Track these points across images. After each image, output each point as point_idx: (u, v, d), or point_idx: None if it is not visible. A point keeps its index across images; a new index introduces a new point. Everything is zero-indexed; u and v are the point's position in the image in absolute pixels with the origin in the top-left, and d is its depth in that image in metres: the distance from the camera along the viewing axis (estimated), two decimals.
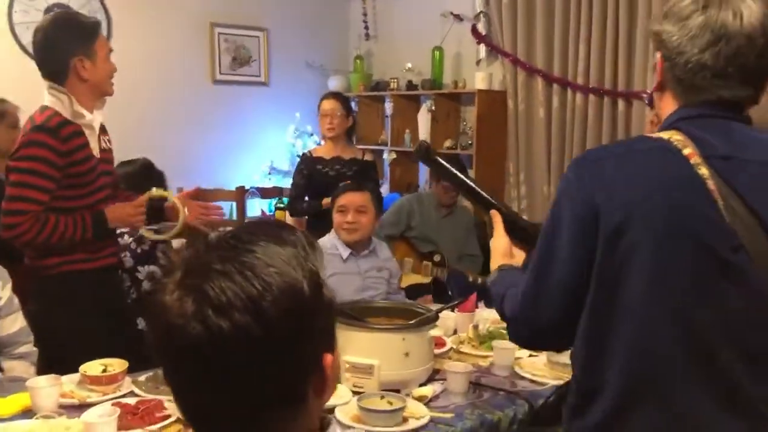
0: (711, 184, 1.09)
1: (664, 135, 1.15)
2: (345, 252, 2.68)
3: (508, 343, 2.15)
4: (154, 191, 2.38)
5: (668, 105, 1.21)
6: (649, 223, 1.09)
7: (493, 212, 1.57)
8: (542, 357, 2.09)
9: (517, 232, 1.55)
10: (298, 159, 3.83)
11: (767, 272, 1.09)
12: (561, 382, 1.88)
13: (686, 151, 1.12)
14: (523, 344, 1.38)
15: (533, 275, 1.20)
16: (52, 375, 1.75)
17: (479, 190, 1.66)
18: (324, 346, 0.77)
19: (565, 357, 2.01)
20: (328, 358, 0.77)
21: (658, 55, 1.20)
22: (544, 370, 2.02)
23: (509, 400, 1.84)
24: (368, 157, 3.74)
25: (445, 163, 1.74)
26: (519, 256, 1.50)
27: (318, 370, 0.76)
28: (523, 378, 1.98)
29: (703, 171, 1.10)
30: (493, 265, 1.49)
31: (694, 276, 1.09)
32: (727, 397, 1.12)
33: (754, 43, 1.11)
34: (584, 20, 3.82)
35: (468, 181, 1.71)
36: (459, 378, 1.85)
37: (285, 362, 0.73)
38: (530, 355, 2.14)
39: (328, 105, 3.56)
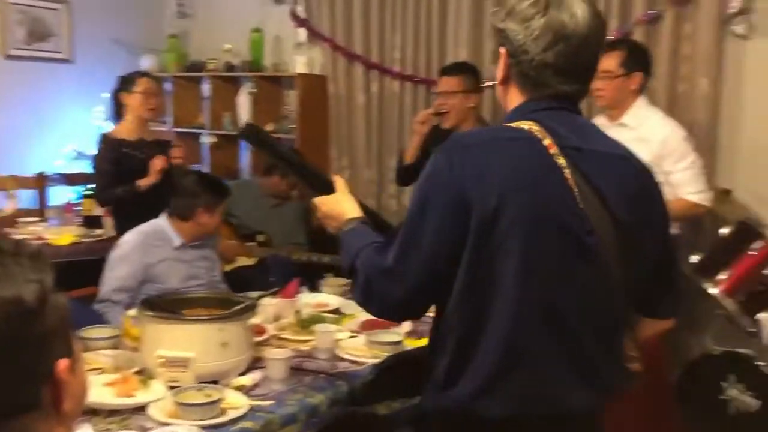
0: (567, 173, 1.19)
1: (524, 125, 1.22)
2: (177, 240, 2.60)
3: (329, 326, 2.18)
4: None
5: (514, 97, 1.29)
6: (520, 209, 1.17)
7: (337, 177, 1.55)
8: (362, 338, 2.14)
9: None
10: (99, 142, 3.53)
11: (610, 252, 1.21)
12: (378, 360, 1.93)
13: (546, 142, 1.20)
14: (373, 312, 1.37)
15: (397, 252, 1.23)
16: None
17: (315, 169, 1.63)
18: (55, 353, 0.73)
19: (383, 336, 2.09)
20: (62, 363, 0.73)
21: (503, 50, 1.27)
22: (364, 350, 2.06)
23: (329, 382, 1.86)
24: (166, 136, 3.63)
25: (275, 144, 1.70)
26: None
27: (51, 378, 0.73)
28: (343, 360, 2.02)
29: (561, 161, 1.19)
30: (345, 209, 1.45)
31: (559, 259, 1.19)
32: (582, 369, 1.23)
33: (588, 42, 1.22)
34: (399, 9, 3.93)
35: (301, 162, 1.67)
36: (278, 364, 1.84)
37: (4, 371, 0.69)
38: (351, 337, 2.18)
39: (149, 84, 3.38)
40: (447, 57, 3.78)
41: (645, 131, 2.76)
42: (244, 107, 4.52)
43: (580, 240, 1.19)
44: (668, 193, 2.81)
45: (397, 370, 1.87)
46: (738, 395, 2.41)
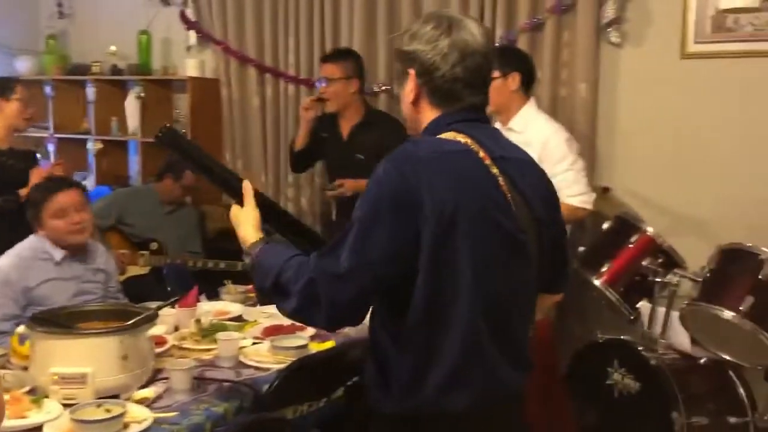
0: (501, 180, 1.35)
1: (460, 138, 1.35)
2: (58, 255, 2.42)
3: (232, 334, 2.16)
4: None
5: (426, 113, 1.41)
6: (472, 215, 1.29)
7: (245, 183, 1.57)
8: (266, 344, 2.13)
9: (271, 215, 1.58)
10: None
11: (534, 246, 1.40)
12: (283, 366, 1.93)
13: (481, 154, 1.35)
14: (319, 320, 1.35)
15: (350, 257, 1.27)
16: None
17: (234, 174, 1.63)
18: None
19: (288, 341, 2.09)
20: None
21: (411, 71, 1.39)
22: (268, 355, 2.06)
23: (235, 390, 1.85)
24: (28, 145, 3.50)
25: (196, 147, 1.66)
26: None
27: None
28: (248, 366, 2.00)
29: (495, 170, 1.35)
30: (246, 233, 1.50)
31: (503, 257, 1.34)
32: (514, 353, 1.39)
33: (486, 57, 1.39)
34: (292, 14, 3.93)
35: (221, 169, 1.65)
36: (180, 375, 1.80)
37: None
38: (254, 343, 2.17)
39: (26, 92, 3.24)
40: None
41: (529, 134, 2.85)
42: (132, 112, 4.37)
43: (516, 239, 1.35)
44: None
45: (304, 374, 1.88)
46: (621, 379, 2.59)
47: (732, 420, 2.47)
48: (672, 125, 3.34)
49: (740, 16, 3.13)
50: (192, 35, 4.29)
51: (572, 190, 2.81)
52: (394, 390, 1.35)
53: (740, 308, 2.35)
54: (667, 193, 3.36)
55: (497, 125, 3.08)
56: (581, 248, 2.97)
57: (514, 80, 2.87)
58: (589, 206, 2.88)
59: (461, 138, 1.35)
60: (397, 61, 1.47)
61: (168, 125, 1.65)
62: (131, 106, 4.37)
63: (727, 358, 2.54)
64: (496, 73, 2.84)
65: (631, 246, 2.77)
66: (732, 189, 3.23)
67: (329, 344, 2.16)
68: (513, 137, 2.97)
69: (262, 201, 1.58)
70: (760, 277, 2.36)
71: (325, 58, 3.35)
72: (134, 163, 4.57)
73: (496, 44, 3.33)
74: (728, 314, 2.37)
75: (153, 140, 1.66)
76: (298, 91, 3.99)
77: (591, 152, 3.42)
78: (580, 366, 2.78)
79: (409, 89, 1.41)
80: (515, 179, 1.37)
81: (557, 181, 2.83)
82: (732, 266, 2.45)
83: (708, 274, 2.52)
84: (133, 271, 3.50)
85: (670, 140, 3.34)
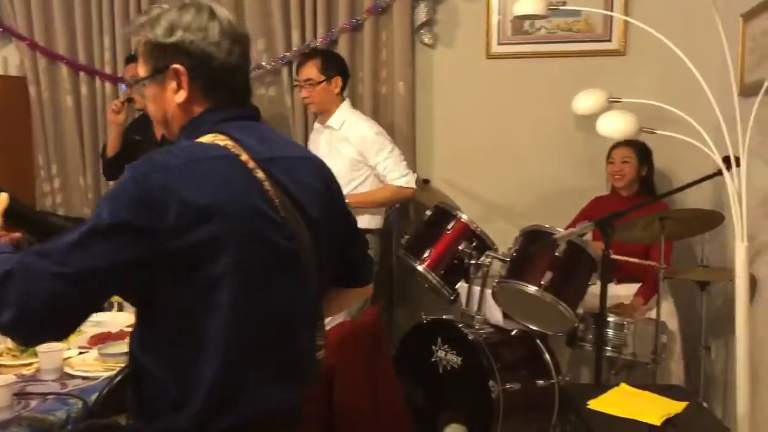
0: (267, 185, 1.21)
1: (219, 141, 1.22)
2: None
3: (54, 345, 2.06)
4: None
5: (192, 108, 1.27)
6: (231, 229, 1.15)
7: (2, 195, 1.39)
8: (92, 352, 2.07)
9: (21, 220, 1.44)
10: None
11: (308, 253, 1.28)
12: (113, 372, 1.90)
13: (243, 157, 1.21)
14: (28, 330, 1.16)
15: (64, 259, 1.11)
16: None
17: None
18: None
19: (115, 348, 2.05)
20: None
21: (178, 66, 1.23)
22: (95, 364, 2.00)
23: (61, 402, 1.78)
24: None
25: None
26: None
27: None
28: (74, 377, 1.94)
29: (259, 174, 1.21)
30: None
31: (268, 270, 1.21)
32: (289, 369, 1.28)
33: (248, 42, 1.31)
34: (106, 12, 3.77)
35: None
36: None
37: None
38: (80, 353, 2.10)
39: None
40: None
41: (346, 131, 3.12)
42: None
43: (283, 248, 1.22)
44: (378, 184, 3.19)
45: None
46: (444, 355, 2.80)
47: (540, 383, 2.77)
48: (481, 120, 3.64)
49: (536, 20, 3.48)
50: None
51: (396, 174, 3.13)
52: (150, 415, 1.23)
53: (541, 283, 2.64)
54: (479, 183, 3.67)
55: (316, 125, 3.27)
56: (405, 237, 3.17)
57: (337, 84, 3.13)
58: (413, 185, 3.17)
59: (221, 140, 1.22)
60: (149, 58, 1.26)
61: None
62: None
63: (534, 328, 2.84)
64: (320, 77, 3.05)
65: (448, 232, 3.00)
66: (532, 176, 3.59)
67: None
68: (333, 135, 3.19)
69: (16, 211, 1.44)
70: (557, 254, 2.67)
71: (130, 59, 3.29)
72: None
73: (318, 49, 3.45)
74: (531, 289, 2.66)
75: None
76: (117, 89, 3.83)
77: (411, 147, 3.64)
78: (407, 347, 2.96)
79: (171, 89, 1.25)
80: (284, 181, 1.25)
81: (381, 169, 3.14)
82: (533, 246, 2.74)
83: (514, 254, 2.80)
84: None
85: (480, 134, 3.64)
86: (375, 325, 2.60)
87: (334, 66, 3.15)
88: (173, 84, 1.25)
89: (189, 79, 1.24)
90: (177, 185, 1.13)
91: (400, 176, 3.13)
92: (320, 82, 3.09)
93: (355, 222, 1.48)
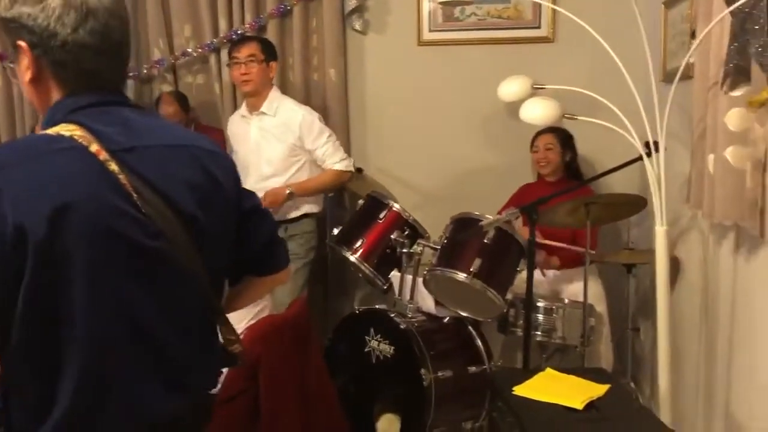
0: (123, 178, 1.10)
1: (64, 132, 1.10)
2: None
3: None
4: None
5: (53, 95, 1.16)
6: (79, 228, 1.06)
7: None
8: None
9: None
10: None
11: (182, 249, 1.16)
12: None
13: (93, 148, 1.09)
14: None
15: None
16: None
17: None
18: None
19: None
20: None
21: (23, 43, 1.12)
22: None
23: None
24: None
25: None
26: None
27: None
28: None
29: (113, 167, 1.10)
30: None
31: (128, 271, 1.11)
32: (172, 375, 1.18)
33: (115, 15, 1.15)
34: None
35: None
36: None
37: None
38: None
39: None
40: None
41: (283, 117, 3.10)
42: None
43: (147, 246, 1.12)
44: (317, 170, 3.17)
45: None
46: (377, 345, 2.78)
47: (472, 369, 2.78)
48: (413, 108, 3.62)
49: (466, 7, 3.47)
50: None
51: (335, 158, 3.18)
52: (18, 430, 1.14)
53: (471, 270, 2.64)
54: (413, 171, 3.66)
55: (243, 109, 3.22)
56: (337, 228, 3.14)
57: (273, 69, 3.15)
58: (352, 168, 3.28)
59: (68, 131, 1.10)
60: (4, 36, 1.16)
61: None
62: None
63: (465, 315, 2.85)
64: (263, 56, 3.08)
65: (380, 221, 2.97)
66: (466, 163, 3.60)
67: None
68: (267, 121, 3.14)
69: None
70: (485, 241, 2.67)
71: None
72: None
73: (255, 36, 3.39)
74: (461, 276, 2.66)
75: None
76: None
77: (345, 135, 3.60)
78: (340, 338, 2.93)
79: (24, 66, 1.14)
80: (147, 173, 1.13)
81: (319, 154, 3.14)
82: (462, 233, 2.74)
83: (444, 242, 2.80)
84: None
85: (413, 122, 3.63)
86: (302, 317, 2.56)
87: (270, 51, 3.18)
88: (25, 62, 1.14)
89: (34, 57, 1.13)
90: (6, 186, 1.04)
91: (340, 160, 3.19)
92: (261, 61, 3.11)
93: (257, 206, 1.35)
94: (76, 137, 1.10)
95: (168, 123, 1.29)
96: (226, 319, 1.30)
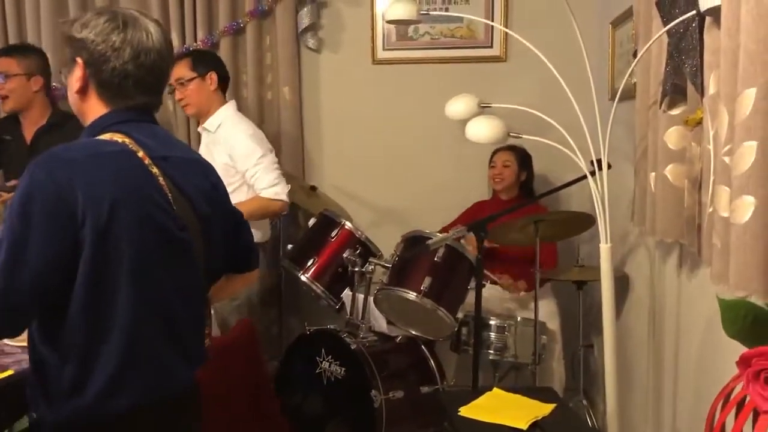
0: (161, 180, 1.37)
1: (117, 138, 1.36)
2: None
3: None
4: None
5: (93, 107, 1.41)
6: (129, 217, 1.30)
7: None
8: None
9: None
10: None
11: (197, 243, 1.43)
12: None
13: (140, 154, 1.35)
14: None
15: (2, 269, 1.23)
16: None
17: None
18: None
19: None
20: None
21: (80, 60, 1.38)
22: None
23: None
24: None
25: None
26: None
27: None
28: None
29: (155, 170, 1.36)
30: None
31: (163, 257, 1.36)
32: (184, 351, 1.43)
33: (162, 56, 1.41)
34: None
35: None
36: None
37: None
38: None
39: None
40: None
41: (222, 134, 2.93)
42: None
43: (177, 237, 1.38)
44: (249, 194, 2.91)
45: None
46: (328, 366, 2.74)
47: (424, 389, 2.75)
48: (368, 126, 3.62)
49: (420, 26, 3.48)
50: None
51: (263, 183, 2.84)
52: (54, 401, 1.33)
53: (421, 288, 2.62)
54: (368, 188, 3.64)
55: (199, 128, 3.11)
56: (289, 246, 3.10)
57: (212, 80, 2.94)
58: (283, 197, 2.85)
59: (119, 138, 1.36)
60: (66, 48, 1.43)
61: None
62: None
63: (416, 334, 2.82)
64: (191, 74, 2.89)
65: (332, 240, 2.95)
66: (420, 181, 3.60)
67: (8, 373, 1.98)
68: (205, 137, 3.03)
69: None
70: (435, 259, 2.66)
71: (1, 52, 3.06)
72: None
73: (193, 48, 3.34)
74: (411, 295, 2.64)
75: None
76: None
77: (299, 153, 3.58)
78: (292, 359, 2.89)
79: (75, 78, 1.39)
80: (177, 178, 1.40)
81: (250, 176, 2.87)
82: (412, 251, 2.72)
83: (395, 261, 2.78)
84: None
85: (368, 139, 3.62)
86: (249, 338, 2.52)
87: (206, 61, 2.95)
88: (77, 74, 1.39)
89: (85, 74, 1.38)
90: (78, 177, 1.26)
91: (268, 186, 2.83)
92: (191, 80, 2.89)
93: (240, 215, 1.62)
94: (127, 143, 1.35)
95: (179, 140, 1.59)
96: (209, 311, 1.55)
